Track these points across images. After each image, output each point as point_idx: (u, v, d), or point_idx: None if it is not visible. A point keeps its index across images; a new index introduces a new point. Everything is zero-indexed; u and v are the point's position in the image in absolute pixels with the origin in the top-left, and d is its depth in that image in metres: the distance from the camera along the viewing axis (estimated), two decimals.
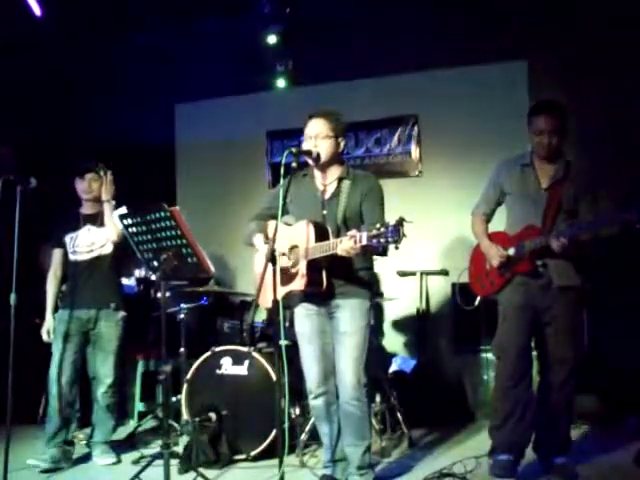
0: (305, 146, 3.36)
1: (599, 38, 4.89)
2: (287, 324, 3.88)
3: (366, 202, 3.33)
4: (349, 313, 3.30)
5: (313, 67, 5.60)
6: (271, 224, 3.37)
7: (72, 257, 4.17)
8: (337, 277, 3.28)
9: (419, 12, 5.28)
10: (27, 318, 4.54)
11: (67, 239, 4.18)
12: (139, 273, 5.42)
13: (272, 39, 5.54)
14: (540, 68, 5.15)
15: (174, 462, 3.61)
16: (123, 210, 4.03)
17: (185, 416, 4.23)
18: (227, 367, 4.18)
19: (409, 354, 5.39)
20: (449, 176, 5.42)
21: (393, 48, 5.39)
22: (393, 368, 4.97)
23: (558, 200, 3.50)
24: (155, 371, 5.05)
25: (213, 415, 4.05)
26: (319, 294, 3.28)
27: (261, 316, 4.90)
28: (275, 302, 3.03)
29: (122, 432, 4.62)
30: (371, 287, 3.43)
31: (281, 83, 5.76)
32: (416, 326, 5.42)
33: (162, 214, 3.32)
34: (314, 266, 3.19)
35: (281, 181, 3.14)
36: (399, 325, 5.54)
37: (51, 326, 4.12)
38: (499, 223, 3.76)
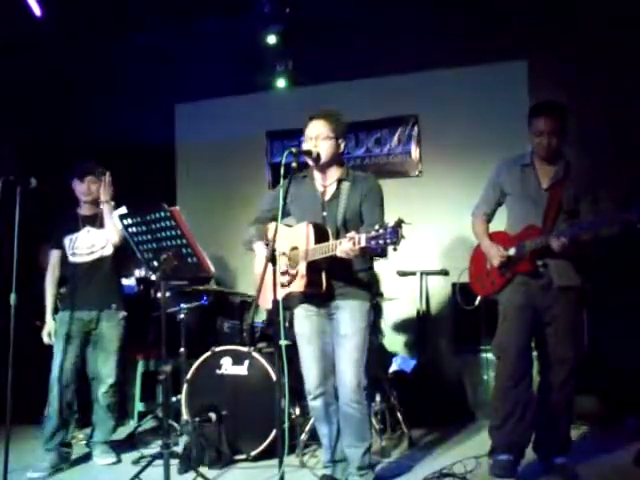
0: (305, 147, 3.35)
1: (599, 38, 4.89)
2: (287, 325, 3.87)
3: (366, 203, 3.33)
4: (349, 314, 3.30)
5: (313, 67, 5.60)
6: (271, 226, 3.37)
7: (72, 259, 4.16)
8: (337, 278, 3.28)
9: (419, 12, 5.27)
10: (27, 318, 4.54)
11: (66, 241, 4.17)
12: (139, 273, 5.41)
13: (272, 39, 5.54)
14: (540, 68, 5.15)
15: (174, 462, 3.61)
16: (123, 210, 4.03)
17: (185, 416, 4.23)
18: (227, 367, 4.18)
19: (409, 354, 5.39)
20: (449, 176, 5.42)
21: (393, 48, 5.39)
22: (393, 368, 4.96)
23: (558, 200, 3.50)
24: (155, 371, 5.05)
25: (213, 415, 4.05)
26: (319, 295, 3.28)
27: (261, 316, 4.90)
28: (275, 302, 3.03)
29: (122, 432, 4.62)
30: (371, 288, 3.43)
31: (281, 83, 5.75)
32: (416, 326, 5.42)
33: (162, 214, 3.32)
34: (314, 267, 3.19)
35: (281, 181, 3.14)
36: (399, 325, 5.54)
37: (52, 328, 4.12)
38: (499, 223, 3.76)
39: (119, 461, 4.15)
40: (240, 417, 4.06)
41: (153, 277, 4.93)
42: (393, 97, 5.56)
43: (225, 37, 5.53)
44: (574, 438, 3.79)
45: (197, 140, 6.15)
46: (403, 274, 5.42)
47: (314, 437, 3.90)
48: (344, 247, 2.98)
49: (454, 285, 4.98)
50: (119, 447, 4.29)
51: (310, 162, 3.37)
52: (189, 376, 4.26)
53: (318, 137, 3.32)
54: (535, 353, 3.66)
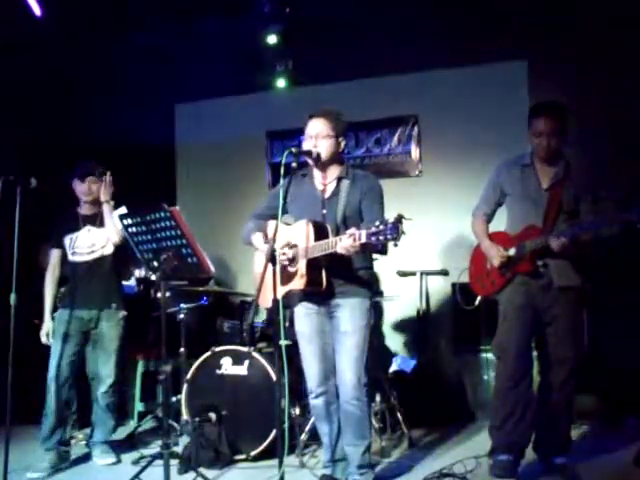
0: (305, 146, 3.36)
1: (599, 38, 4.89)
2: (287, 324, 3.88)
3: (365, 201, 3.33)
4: (349, 312, 3.30)
5: (313, 67, 5.60)
6: (271, 224, 3.37)
7: (72, 258, 4.16)
8: (337, 276, 3.28)
9: (419, 12, 5.27)
10: (27, 318, 4.54)
11: (66, 240, 4.17)
12: (139, 273, 5.41)
13: (272, 39, 5.54)
14: (540, 68, 5.15)
15: (174, 462, 3.60)
16: (123, 210, 4.03)
17: (185, 416, 4.23)
18: (227, 367, 4.18)
19: (409, 354, 5.39)
20: (449, 176, 5.42)
21: (393, 48, 5.39)
22: (393, 368, 4.97)
23: (558, 200, 3.50)
24: (155, 371, 5.04)
25: (213, 415, 4.05)
26: (319, 293, 3.28)
27: (261, 316, 4.90)
28: (275, 301, 3.03)
29: (122, 432, 4.62)
30: (371, 286, 3.43)
31: (281, 83, 5.75)
32: (416, 326, 5.42)
33: (162, 214, 3.32)
34: (314, 265, 3.19)
35: (281, 181, 3.14)
36: (399, 325, 5.54)
37: (50, 328, 4.11)
38: (499, 223, 3.76)
39: (119, 461, 4.15)
40: (240, 417, 4.06)
41: (153, 277, 4.93)
42: (393, 97, 5.56)
43: (225, 37, 5.53)
44: (574, 438, 3.78)
45: (197, 140, 6.15)
46: (403, 274, 5.42)
47: (314, 437, 3.91)
48: (344, 243, 2.98)
49: (454, 285, 4.98)
50: (119, 447, 4.29)
51: (310, 162, 3.37)
52: (189, 376, 4.26)
53: (318, 135, 3.32)
54: (535, 353, 3.67)
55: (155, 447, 4.30)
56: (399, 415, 4.34)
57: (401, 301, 5.23)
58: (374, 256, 3.45)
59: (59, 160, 4.81)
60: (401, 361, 5.03)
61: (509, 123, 4.87)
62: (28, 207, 3.64)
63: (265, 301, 3.32)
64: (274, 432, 3.72)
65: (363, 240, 2.90)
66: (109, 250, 4.15)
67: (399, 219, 2.80)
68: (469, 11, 5.16)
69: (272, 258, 3.01)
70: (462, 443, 4.32)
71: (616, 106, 4.89)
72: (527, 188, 3.58)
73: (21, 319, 3.70)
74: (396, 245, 2.85)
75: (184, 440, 4.20)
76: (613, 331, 4.62)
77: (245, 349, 4.18)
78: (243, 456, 4.01)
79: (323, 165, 3.37)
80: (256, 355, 4.12)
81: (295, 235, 3.28)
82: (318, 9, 5.31)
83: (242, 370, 4.15)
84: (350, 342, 3.29)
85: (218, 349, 4.23)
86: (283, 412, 3.16)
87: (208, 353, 4.24)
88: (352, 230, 2.97)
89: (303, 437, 4.04)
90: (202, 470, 3.59)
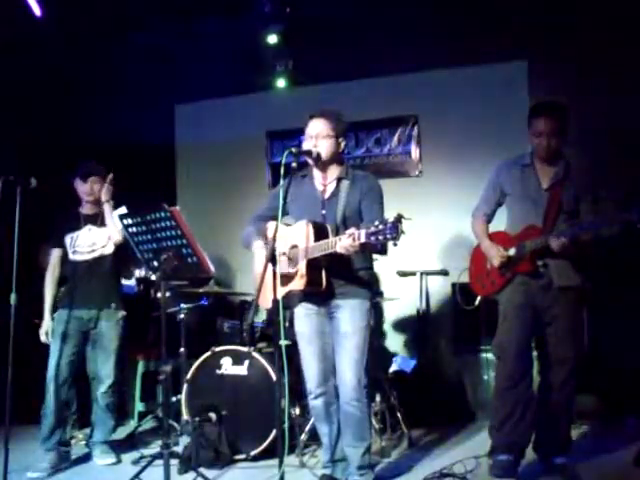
0: (305, 146, 3.36)
1: (599, 38, 4.89)
2: (287, 324, 3.88)
3: (365, 201, 3.33)
4: (349, 313, 3.30)
5: (313, 67, 5.60)
6: (271, 225, 3.37)
7: (72, 257, 4.16)
8: (337, 277, 3.28)
9: (419, 12, 5.27)
10: (27, 318, 4.54)
11: (67, 239, 4.17)
12: (139, 273, 5.41)
13: (272, 39, 5.53)
14: (540, 68, 5.15)
15: (174, 462, 3.60)
16: (123, 210, 4.03)
17: (185, 416, 4.23)
18: (227, 367, 4.18)
19: (409, 354, 5.39)
20: (449, 176, 5.42)
21: (393, 48, 5.39)
22: (393, 368, 4.97)
23: (559, 200, 3.50)
24: (155, 371, 5.04)
25: (213, 415, 4.05)
26: (319, 294, 3.28)
27: (261, 316, 4.90)
28: (275, 302, 3.03)
29: (122, 432, 4.62)
30: (371, 287, 3.43)
31: (281, 83, 5.75)
32: (416, 326, 5.42)
33: (162, 214, 3.32)
34: (314, 266, 3.19)
35: (281, 181, 3.14)
36: (399, 325, 5.54)
37: (49, 327, 4.11)
38: (499, 223, 3.76)
39: (119, 461, 4.15)
40: (240, 417, 4.06)
41: (153, 277, 4.93)
42: (393, 97, 5.56)
43: (225, 37, 5.52)
44: (574, 438, 3.78)
45: (197, 140, 6.15)
46: (403, 274, 5.42)
47: (314, 437, 3.90)
48: (344, 243, 2.98)
49: (454, 285, 4.98)
50: (119, 447, 4.29)
51: (310, 162, 3.37)
52: (189, 376, 4.26)
53: (318, 135, 3.32)
54: (535, 353, 3.67)
55: (155, 447, 4.30)
56: (399, 415, 4.34)
57: (401, 301, 5.23)
58: (374, 256, 3.45)
59: (59, 160, 4.82)
60: (401, 361, 5.03)
61: (509, 123, 4.87)
62: (28, 207, 3.64)
63: (265, 302, 3.31)
64: (274, 432, 3.72)
65: (362, 240, 2.90)
66: (109, 250, 4.15)
67: (398, 219, 2.80)
68: (469, 11, 5.16)
69: (272, 258, 3.01)
70: (462, 443, 4.32)
71: (616, 106, 4.89)
72: (527, 188, 3.57)
73: (21, 319, 3.70)
74: (396, 245, 2.84)
75: (184, 440, 4.20)
76: (613, 331, 4.62)
77: (245, 349, 4.18)
78: (243, 456, 4.01)
79: (323, 165, 3.37)
80: (256, 355, 4.12)
81: (295, 235, 3.28)
82: (318, 9, 5.31)
83: (242, 370, 4.15)
84: (350, 343, 3.29)
85: (218, 349, 4.23)
86: (283, 412, 3.16)
87: (208, 353, 4.24)
88: (352, 230, 2.97)
89: (303, 437, 4.04)
90: (202, 470, 3.59)
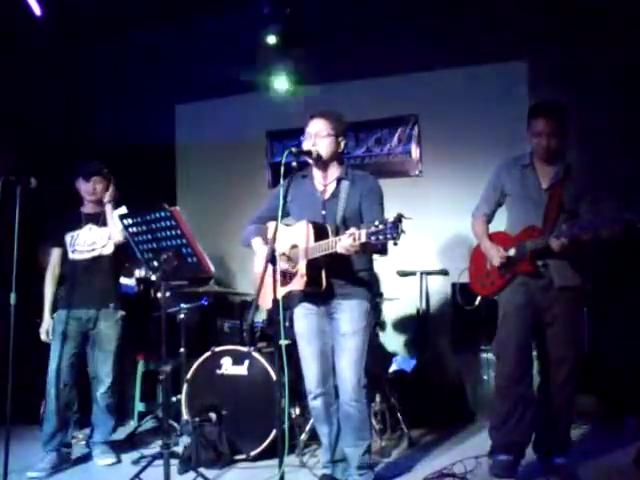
0: (305, 145, 3.36)
1: (599, 38, 4.89)
2: (287, 324, 3.87)
3: (365, 201, 3.33)
4: (349, 314, 3.30)
5: (313, 67, 5.59)
6: (271, 225, 3.37)
7: (72, 256, 4.16)
8: (337, 277, 3.28)
9: (419, 12, 5.27)
10: (27, 318, 4.53)
11: (67, 238, 4.17)
12: (139, 273, 5.41)
13: (272, 39, 5.53)
14: (540, 68, 5.15)
15: (174, 462, 3.61)
16: (123, 210, 4.03)
17: (185, 416, 4.22)
18: (227, 367, 4.18)
19: (409, 354, 5.39)
20: (449, 176, 5.42)
21: (393, 48, 5.39)
22: (393, 368, 4.97)
23: (559, 201, 3.50)
24: (155, 371, 5.04)
25: (213, 415, 4.05)
26: (319, 294, 3.28)
27: (261, 316, 4.90)
28: (275, 302, 3.03)
29: (122, 432, 4.62)
30: (371, 288, 3.43)
31: (281, 83, 5.75)
32: (416, 326, 5.42)
33: (162, 214, 3.32)
34: (314, 266, 3.19)
35: (281, 181, 3.14)
36: (399, 325, 5.54)
37: (49, 326, 4.11)
38: (499, 223, 3.76)
39: (119, 461, 4.15)
40: (240, 417, 4.06)
41: (153, 277, 4.93)
42: (393, 97, 5.56)
43: (225, 37, 5.53)
44: (574, 438, 3.78)
45: (197, 140, 6.15)
46: (403, 274, 5.42)
47: (314, 437, 3.90)
48: (344, 243, 2.98)
49: (454, 285, 4.98)
50: (119, 447, 4.28)
51: (310, 162, 3.37)
52: (189, 376, 4.26)
53: (318, 134, 3.33)
54: (535, 353, 3.66)
55: (155, 447, 4.30)
56: (399, 415, 4.34)
57: (401, 301, 5.23)
58: (374, 256, 3.45)
59: (59, 160, 4.82)
60: (401, 361, 5.03)
61: (509, 123, 4.86)
62: (28, 207, 3.64)
63: (265, 302, 3.31)
64: (274, 432, 3.72)
65: (363, 239, 2.90)
66: (109, 250, 4.14)
67: (399, 218, 2.80)
68: (469, 11, 5.16)
69: (272, 258, 3.01)
70: (462, 443, 4.32)
71: (616, 106, 4.89)
72: (527, 188, 3.57)
73: (21, 319, 3.69)
74: (396, 244, 2.85)
75: (184, 440, 4.19)
76: (613, 331, 4.62)
77: (245, 349, 4.18)
78: (243, 456, 4.01)
79: (323, 165, 3.38)
80: (256, 355, 4.12)
81: (295, 236, 3.28)
82: (318, 9, 5.31)
83: (242, 370, 4.15)
84: (350, 344, 3.29)
85: (218, 349, 4.23)
86: (283, 412, 3.16)
87: (208, 353, 4.24)
88: (352, 230, 2.97)
89: (303, 437, 4.05)
90: (202, 470, 3.59)
